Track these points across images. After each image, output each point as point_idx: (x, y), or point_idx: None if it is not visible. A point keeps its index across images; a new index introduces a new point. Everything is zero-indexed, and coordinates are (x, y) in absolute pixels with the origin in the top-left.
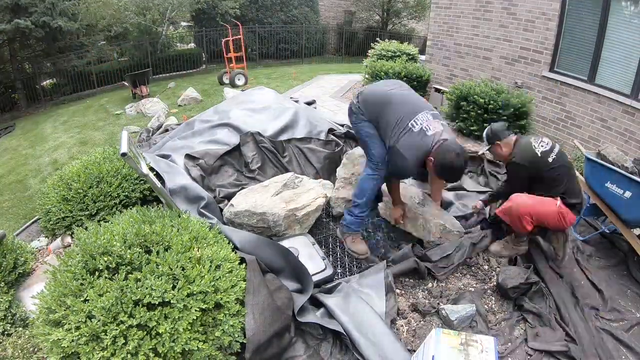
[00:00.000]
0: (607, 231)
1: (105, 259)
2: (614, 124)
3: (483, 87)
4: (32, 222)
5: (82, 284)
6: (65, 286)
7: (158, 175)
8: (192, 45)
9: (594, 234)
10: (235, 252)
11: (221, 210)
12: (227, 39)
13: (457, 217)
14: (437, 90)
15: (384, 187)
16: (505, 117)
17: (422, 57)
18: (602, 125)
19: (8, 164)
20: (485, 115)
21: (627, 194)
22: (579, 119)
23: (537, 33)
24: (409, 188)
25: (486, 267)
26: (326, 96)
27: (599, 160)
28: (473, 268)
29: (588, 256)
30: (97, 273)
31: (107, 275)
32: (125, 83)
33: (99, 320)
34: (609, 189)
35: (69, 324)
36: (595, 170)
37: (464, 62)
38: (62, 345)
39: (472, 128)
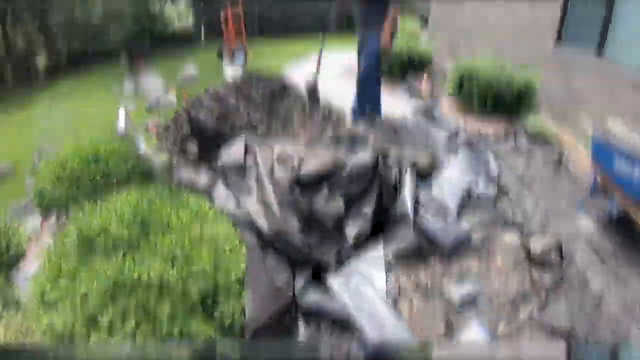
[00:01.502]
0: (615, 211)
1: (102, 238)
2: (623, 100)
3: (486, 63)
4: (26, 203)
5: (77, 265)
6: (59, 267)
7: None
8: (190, 21)
9: (601, 213)
10: (236, 231)
11: None
12: (225, 11)
13: None
14: (440, 67)
15: None
16: (509, 94)
17: (425, 34)
18: (611, 101)
19: (2, 143)
20: (489, 92)
21: (637, 173)
22: (587, 95)
23: (542, 7)
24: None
25: (489, 246)
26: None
27: (607, 138)
28: (477, 248)
29: (597, 236)
30: (93, 253)
31: (103, 256)
32: (122, 59)
33: (95, 302)
34: (617, 167)
35: (63, 305)
36: (602, 148)
37: (467, 39)
38: (56, 328)
39: (475, 106)
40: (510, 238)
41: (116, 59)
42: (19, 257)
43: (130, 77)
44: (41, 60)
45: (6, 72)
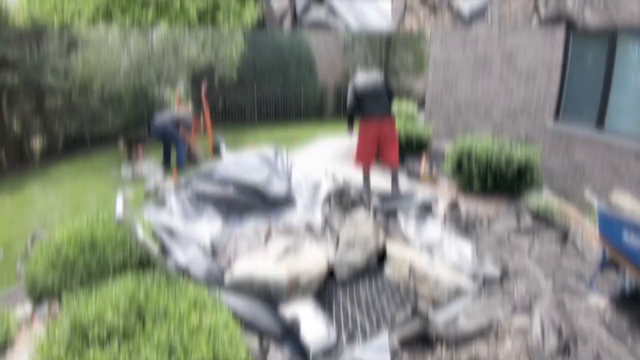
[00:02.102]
0: (628, 287)
1: (97, 327)
2: (626, 171)
3: (485, 142)
4: (17, 289)
5: (70, 356)
6: (51, 358)
7: None
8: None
9: (613, 290)
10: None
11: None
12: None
13: None
14: (437, 148)
15: (390, 249)
16: (509, 172)
17: (422, 115)
18: (614, 173)
19: None
20: (489, 170)
21: None
22: (589, 169)
23: (539, 84)
24: (416, 251)
25: (498, 330)
26: (330, 159)
27: (614, 211)
28: (483, 331)
29: (609, 313)
30: (86, 343)
31: (98, 346)
32: (120, 144)
33: None
34: (626, 241)
35: None
36: (609, 221)
37: (465, 118)
38: None
39: (475, 185)
40: (519, 321)
41: (114, 144)
42: (7, 344)
43: (127, 162)
44: (37, 144)
45: (0, 155)
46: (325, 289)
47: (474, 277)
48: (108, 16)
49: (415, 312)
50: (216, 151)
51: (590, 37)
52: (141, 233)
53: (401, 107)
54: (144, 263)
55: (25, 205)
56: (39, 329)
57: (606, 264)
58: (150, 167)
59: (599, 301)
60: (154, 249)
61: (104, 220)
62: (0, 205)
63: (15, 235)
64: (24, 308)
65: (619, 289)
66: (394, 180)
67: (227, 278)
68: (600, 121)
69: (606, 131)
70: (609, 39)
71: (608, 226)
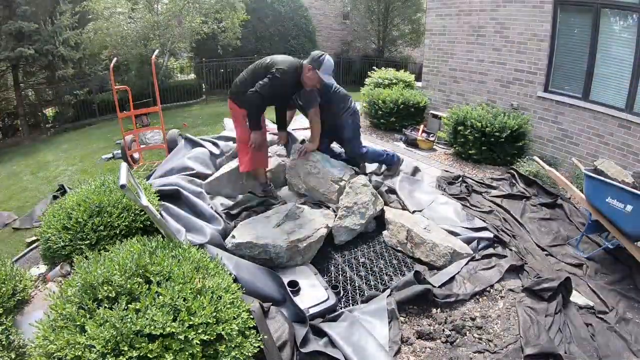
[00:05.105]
0: (611, 247)
1: (105, 288)
2: (610, 138)
3: (479, 110)
4: (32, 249)
5: (81, 314)
6: (64, 316)
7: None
8: (192, 76)
9: (597, 250)
10: (237, 283)
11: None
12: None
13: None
14: (435, 116)
15: (388, 215)
16: (503, 140)
17: (419, 84)
18: (599, 140)
19: (8, 191)
20: (483, 138)
21: (629, 207)
22: (576, 137)
23: (529, 54)
24: (413, 216)
25: (491, 291)
26: None
27: (599, 177)
28: (477, 293)
29: (594, 273)
30: (96, 302)
31: (107, 305)
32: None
33: (98, 351)
34: (609, 204)
35: (67, 355)
36: (595, 186)
37: (460, 87)
38: None
39: (470, 152)
40: (510, 282)
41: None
42: (25, 302)
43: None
44: (49, 112)
45: (19, 122)
46: (325, 254)
47: (469, 241)
48: None
49: (412, 275)
50: None
51: (576, 10)
52: (144, 200)
53: (399, 76)
54: (147, 227)
55: (39, 170)
56: (52, 288)
57: (591, 226)
58: (154, 133)
59: (584, 262)
60: (157, 214)
61: (110, 187)
62: (16, 170)
63: (31, 198)
64: (39, 269)
65: (603, 250)
66: None
67: (229, 243)
68: (586, 91)
69: (591, 101)
70: (593, 11)
71: (593, 191)
